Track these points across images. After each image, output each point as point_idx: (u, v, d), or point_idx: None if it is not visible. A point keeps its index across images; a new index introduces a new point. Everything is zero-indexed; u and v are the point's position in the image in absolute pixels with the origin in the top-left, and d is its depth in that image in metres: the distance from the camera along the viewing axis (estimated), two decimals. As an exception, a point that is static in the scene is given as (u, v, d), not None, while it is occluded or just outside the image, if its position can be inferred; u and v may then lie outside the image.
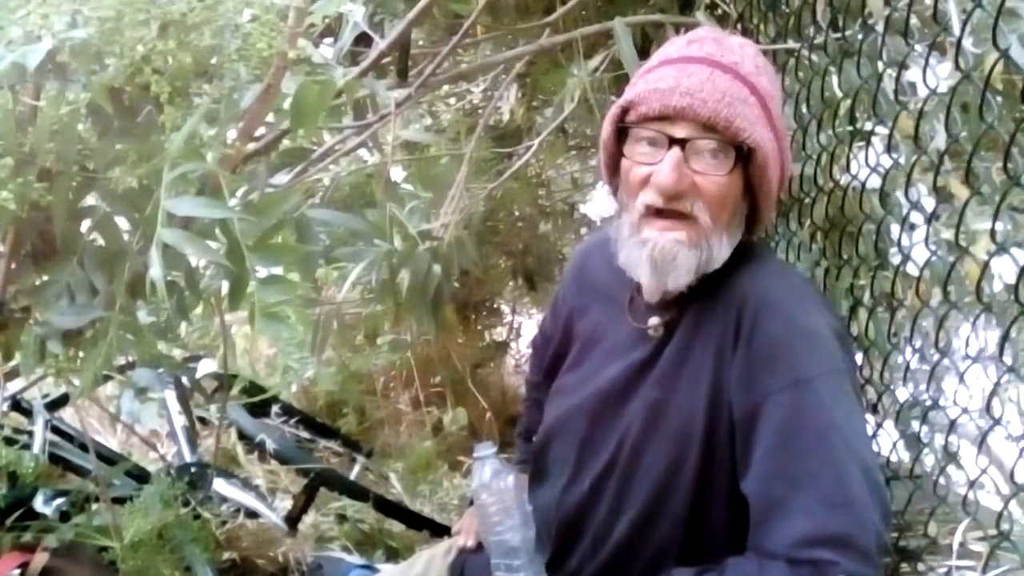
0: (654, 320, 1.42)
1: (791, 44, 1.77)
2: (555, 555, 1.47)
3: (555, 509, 1.48)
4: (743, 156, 1.29)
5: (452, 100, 3.22)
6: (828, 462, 1.21)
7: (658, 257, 1.31)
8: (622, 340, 1.47)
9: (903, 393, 1.52)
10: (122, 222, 1.34)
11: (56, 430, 2.41)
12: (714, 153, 1.28)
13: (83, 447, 2.29)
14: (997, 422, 1.23)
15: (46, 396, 2.48)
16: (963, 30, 1.20)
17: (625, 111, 1.34)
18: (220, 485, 2.46)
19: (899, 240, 1.45)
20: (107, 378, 1.99)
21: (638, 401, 1.40)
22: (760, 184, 1.33)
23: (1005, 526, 1.22)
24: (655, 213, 1.31)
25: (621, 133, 1.36)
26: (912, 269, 1.42)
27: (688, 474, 1.33)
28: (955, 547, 1.36)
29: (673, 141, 1.28)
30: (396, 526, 2.83)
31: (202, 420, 2.87)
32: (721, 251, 1.33)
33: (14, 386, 2.25)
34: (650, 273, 1.33)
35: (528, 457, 1.67)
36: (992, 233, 1.18)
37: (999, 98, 1.23)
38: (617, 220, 1.41)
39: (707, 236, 1.31)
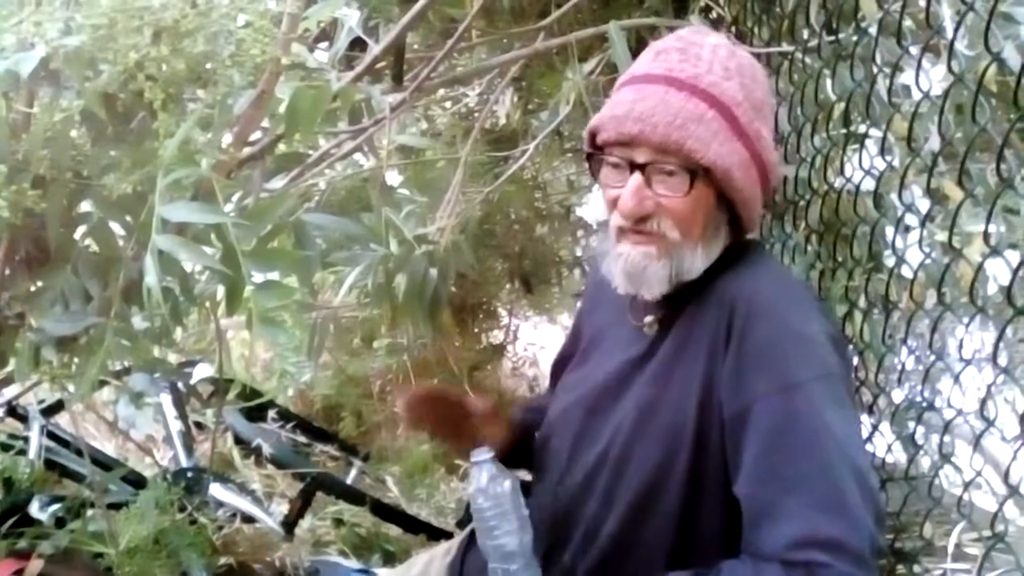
0: (648, 318, 1.44)
1: (785, 47, 1.77)
2: (548, 550, 1.47)
3: (550, 501, 1.49)
4: (699, 175, 1.30)
5: (447, 104, 3.22)
6: (820, 465, 1.21)
7: (630, 270, 1.35)
8: (621, 338, 1.49)
9: (898, 395, 1.52)
10: (116, 228, 1.34)
11: (52, 436, 2.40)
12: (672, 174, 1.31)
13: (79, 453, 2.29)
14: (992, 424, 1.24)
15: (42, 402, 2.47)
16: (956, 33, 1.21)
17: (593, 136, 1.38)
18: (216, 490, 2.45)
19: (893, 242, 1.45)
20: (103, 384, 1.99)
21: (631, 397, 1.41)
22: (732, 195, 1.34)
23: (1000, 527, 1.22)
24: (627, 230, 1.35)
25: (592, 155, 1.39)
26: (906, 271, 1.42)
27: (678, 472, 1.34)
28: (951, 549, 1.36)
29: (634, 166, 1.31)
30: (393, 530, 2.83)
31: (198, 425, 2.88)
32: (695, 261, 1.35)
33: (9, 392, 2.25)
34: (625, 284, 1.37)
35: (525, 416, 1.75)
36: (986, 235, 1.19)
37: (992, 100, 1.24)
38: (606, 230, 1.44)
39: (678, 249, 1.34)
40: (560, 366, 1.71)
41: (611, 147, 1.34)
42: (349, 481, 3.05)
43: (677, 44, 1.37)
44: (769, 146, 1.39)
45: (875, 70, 1.45)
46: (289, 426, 3.12)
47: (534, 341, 4.46)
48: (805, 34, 1.69)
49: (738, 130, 1.32)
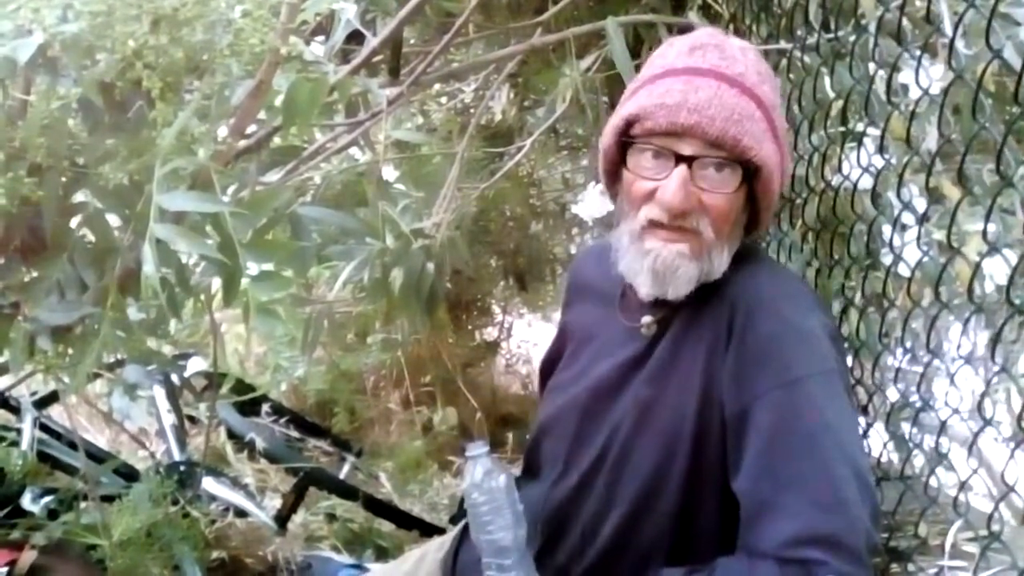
0: (647, 318, 1.42)
1: (783, 45, 1.77)
2: (541, 550, 1.47)
3: (543, 504, 1.48)
4: (750, 173, 1.29)
5: (444, 99, 3.21)
6: (819, 463, 1.21)
7: (660, 268, 1.31)
8: (614, 337, 1.47)
9: (894, 394, 1.52)
10: (112, 218, 1.34)
11: (44, 428, 2.40)
12: (719, 168, 1.28)
13: (72, 445, 2.29)
14: (988, 423, 1.24)
15: (34, 393, 2.47)
16: (955, 31, 1.21)
17: (629, 123, 1.32)
18: (209, 484, 2.45)
19: (891, 241, 1.45)
20: (96, 375, 1.99)
21: (629, 398, 1.40)
22: (763, 196, 1.34)
23: (995, 527, 1.22)
24: (659, 225, 1.31)
25: (624, 143, 1.35)
26: (903, 270, 1.42)
27: (677, 473, 1.33)
28: (947, 548, 1.36)
29: (680, 159, 1.27)
30: (386, 525, 2.83)
31: (191, 418, 2.87)
32: (722, 262, 1.33)
33: (2, 383, 2.25)
34: (651, 283, 1.33)
35: None
36: (984, 234, 1.19)
37: (990, 99, 1.24)
38: (616, 227, 1.40)
39: (709, 249, 1.31)
40: (549, 368, 1.68)
41: (653, 137, 1.29)
42: (342, 476, 3.06)
43: (712, 41, 1.34)
44: (788, 152, 1.39)
45: (873, 68, 1.45)
46: (282, 421, 3.11)
47: (528, 338, 4.47)
48: (803, 32, 1.69)
49: (775, 133, 1.32)
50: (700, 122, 1.25)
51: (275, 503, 2.67)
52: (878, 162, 1.47)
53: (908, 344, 1.45)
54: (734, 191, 1.29)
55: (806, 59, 1.70)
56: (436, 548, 1.71)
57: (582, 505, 1.43)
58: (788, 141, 1.40)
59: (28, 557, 1.88)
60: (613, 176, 1.41)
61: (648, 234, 1.32)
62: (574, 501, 1.44)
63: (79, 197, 1.33)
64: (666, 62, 1.35)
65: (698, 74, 1.29)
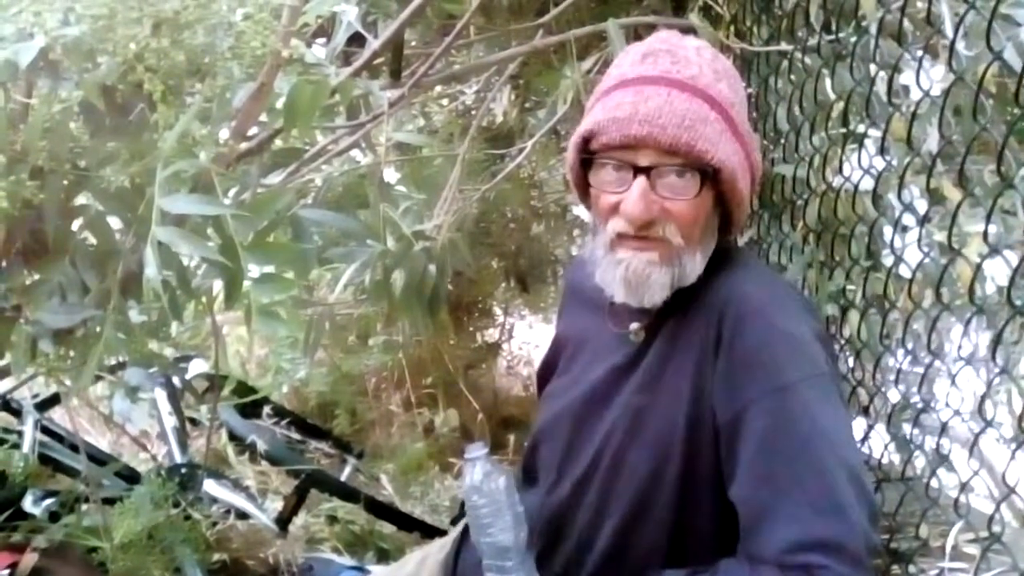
0: (634, 325, 1.42)
1: (784, 46, 1.77)
2: (539, 558, 1.46)
3: (538, 511, 1.48)
4: (709, 176, 1.29)
5: (445, 101, 3.22)
6: (814, 467, 1.21)
7: (631, 278, 1.32)
8: (605, 344, 1.47)
9: (895, 395, 1.52)
10: (114, 221, 1.34)
11: (46, 430, 2.40)
12: (680, 174, 1.28)
13: (73, 447, 2.29)
14: (989, 424, 1.24)
15: (36, 396, 2.47)
16: (956, 32, 1.21)
17: (587, 139, 1.33)
18: (210, 486, 2.45)
19: (891, 242, 1.45)
20: (98, 378, 1.99)
21: (620, 405, 1.39)
22: (731, 196, 1.34)
23: (996, 528, 1.22)
24: (627, 236, 1.32)
25: (586, 160, 1.35)
26: (904, 271, 1.42)
27: (670, 480, 1.33)
28: (948, 549, 1.36)
29: (638, 170, 1.28)
30: (387, 527, 2.83)
31: (192, 421, 2.87)
32: (695, 266, 1.34)
33: (3, 385, 2.25)
34: (624, 293, 1.34)
35: None
36: (985, 235, 1.18)
37: (991, 101, 1.24)
38: (592, 238, 1.41)
39: (679, 254, 1.31)
40: (546, 375, 1.68)
41: (610, 151, 1.30)
42: (343, 478, 3.06)
43: (663, 47, 1.35)
44: (757, 147, 1.39)
45: (874, 70, 1.45)
46: (284, 423, 3.11)
47: (529, 340, 4.46)
48: (804, 33, 1.69)
49: (735, 131, 1.32)
50: (652, 132, 1.26)
51: (276, 505, 2.66)
52: (879, 163, 1.47)
53: (909, 345, 1.45)
54: (697, 195, 1.29)
55: (807, 60, 1.70)
56: (437, 550, 1.71)
57: (576, 512, 1.43)
58: (755, 139, 1.40)
59: (29, 560, 1.88)
60: (583, 190, 1.41)
61: (618, 245, 1.33)
62: (568, 508, 1.44)
63: (81, 200, 1.34)
64: (620, 72, 1.36)
65: (648, 82, 1.30)
